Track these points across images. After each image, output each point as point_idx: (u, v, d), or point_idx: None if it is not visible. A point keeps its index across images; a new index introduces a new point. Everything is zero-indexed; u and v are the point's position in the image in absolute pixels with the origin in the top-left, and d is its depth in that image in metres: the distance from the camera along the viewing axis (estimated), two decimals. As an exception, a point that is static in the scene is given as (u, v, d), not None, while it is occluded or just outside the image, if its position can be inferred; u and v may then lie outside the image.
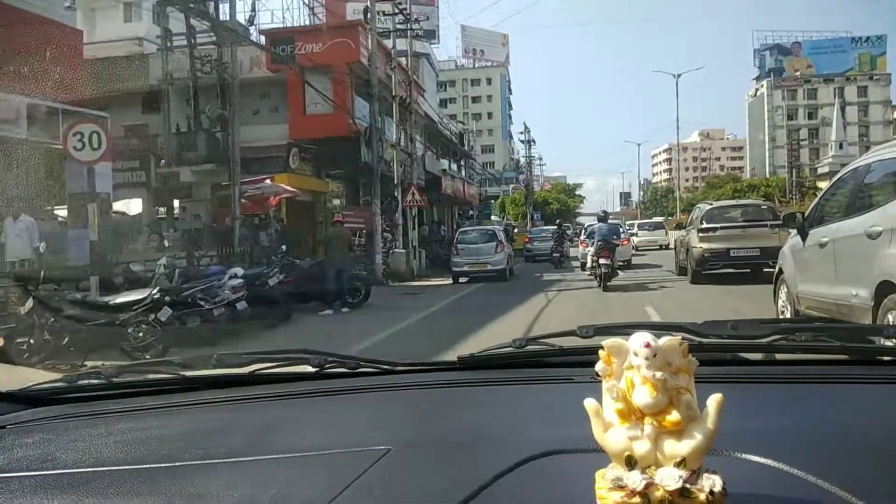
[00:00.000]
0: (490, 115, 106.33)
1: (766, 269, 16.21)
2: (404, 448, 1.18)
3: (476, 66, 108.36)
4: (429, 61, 43.35)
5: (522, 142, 75.99)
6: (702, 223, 16.86)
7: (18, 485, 1.14)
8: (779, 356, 1.66)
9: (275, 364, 1.74)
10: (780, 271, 9.10)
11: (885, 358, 1.64)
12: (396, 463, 1.12)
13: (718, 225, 16.58)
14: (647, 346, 0.88)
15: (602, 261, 16.54)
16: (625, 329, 1.41)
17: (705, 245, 16.41)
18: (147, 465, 1.19)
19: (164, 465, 1.18)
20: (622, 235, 24.49)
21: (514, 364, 1.72)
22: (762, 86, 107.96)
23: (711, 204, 19.30)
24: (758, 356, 1.67)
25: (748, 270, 16.55)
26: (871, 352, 1.66)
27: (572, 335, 1.61)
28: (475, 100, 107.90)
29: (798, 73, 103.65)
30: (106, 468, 1.19)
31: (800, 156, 75.89)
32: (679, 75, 70.10)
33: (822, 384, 1.52)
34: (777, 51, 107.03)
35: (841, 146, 75.47)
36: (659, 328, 1.42)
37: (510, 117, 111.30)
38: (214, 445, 1.29)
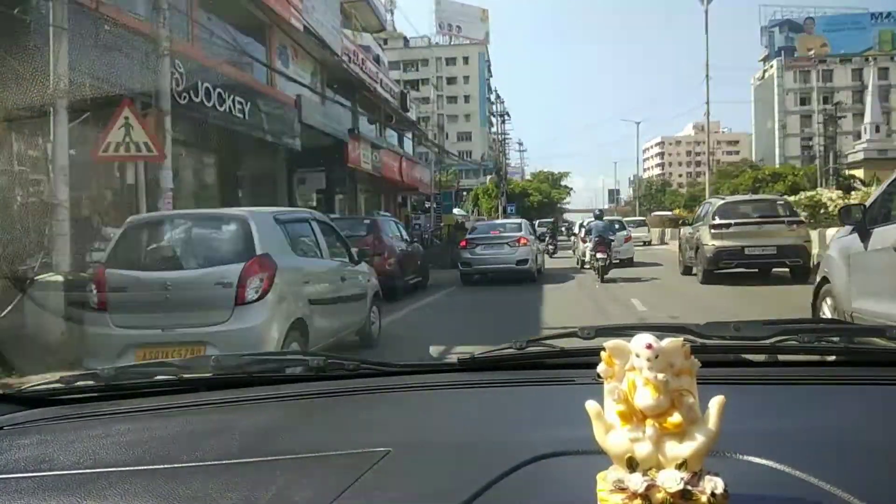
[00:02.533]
0: (467, 99, 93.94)
1: (773, 269, 16.07)
2: (404, 450, 1.18)
3: (452, 43, 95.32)
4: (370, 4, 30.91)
5: (492, 114, 66.41)
6: (714, 219, 15.80)
7: (16, 486, 1.14)
8: (781, 357, 1.66)
9: (274, 365, 1.74)
10: (825, 281, 7.12)
11: (888, 359, 1.63)
12: (396, 465, 1.12)
13: (732, 221, 15.55)
14: (649, 347, 0.87)
15: (599, 255, 18.25)
16: (627, 330, 1.40)
17: (718, 242, 15.36)
18: (145, 467, 1.19)
19: (162, 466, 1.18)
20: (625, 233, 24.81)
21: (514, 365, 1.71)
22: (771, 66, 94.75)
23: (723, 199, 18.55)
24: (760, 357, 1.66)
25: (756, 270, 16.02)
26: (873, 353, 1.66)
27: (573, 336, 1.61)
28: (450, 81, 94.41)
29: (811, 53, 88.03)
30: (103, 470, 1.19)
31: (835, 140, 62.31)
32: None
33: (824, 385, 1.52)
34: (788, 27, 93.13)
35: (878, 129, 65.79)
36: (661, 329, 1.42)
37: (490, 101, 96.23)
38: (213, 447, 1.29)
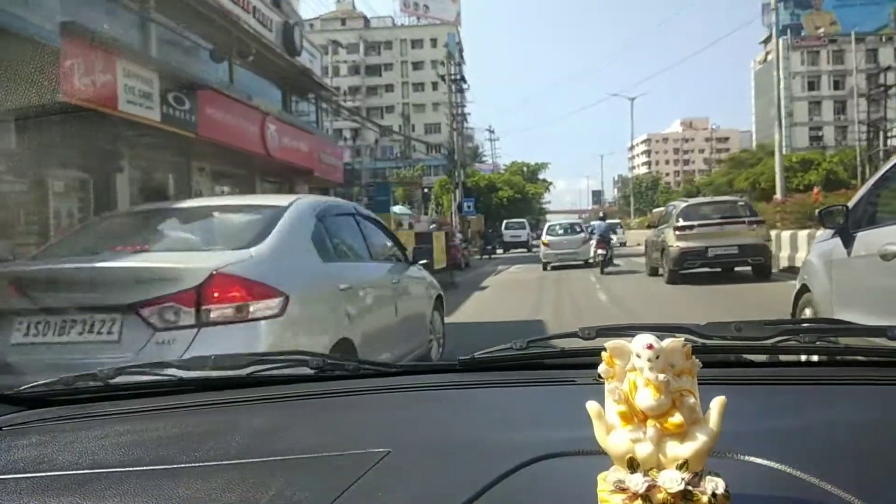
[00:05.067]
0: (435, 86, 77.51)
1: (736, 269, 16.91)
2: (404, 450, 1.18)
3: (419, 23, 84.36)
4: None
5: (442, 77, 50.90)
6: (678, 221, 16.57)
7: (15, 486, 1.14)
8: (783, 358, 1.66)
9: (273, 366, 1.74)
10: (805, 289, 6.39)
11: (891, 359, 1.63)
12: (396, 465, 1.11)
13: (696, 223, 16.34)
14: (650, 347, 0.87)
15: (600, 251, 21.29)
16: (628, 330, 1.40)
17: (682, 244, 16.14)
18: (144, 468, 1.19)
19: (161, 467, 1.18)
20: (583, 235, 26.63)
21: (515, 366, 1.71)
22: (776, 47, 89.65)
23: (686, 201, 19.39)
24: (761, 358, 1.67)
25: (719, 269, 16.73)
26: (875, 353, 1.66)
27: (574, 336, 1.60)
28: (416, 66, 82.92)
29: (820, 31, 77.62)
30: (102, 470, 1.18)
31: (885, 119, 51.45)
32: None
33: (826, 386, 1.52)
34: (793, 3, 79.98)
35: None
36: (662, 330, 1.42)
37: (462, 90, 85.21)
38: (212, 448, 1.29)
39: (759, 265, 16.20)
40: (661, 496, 0.84)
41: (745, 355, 1.65)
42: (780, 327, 1.62)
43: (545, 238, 26.22)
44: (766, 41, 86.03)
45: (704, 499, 0.84)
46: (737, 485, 0.87)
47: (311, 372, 1.71)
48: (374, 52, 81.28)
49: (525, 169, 70.86)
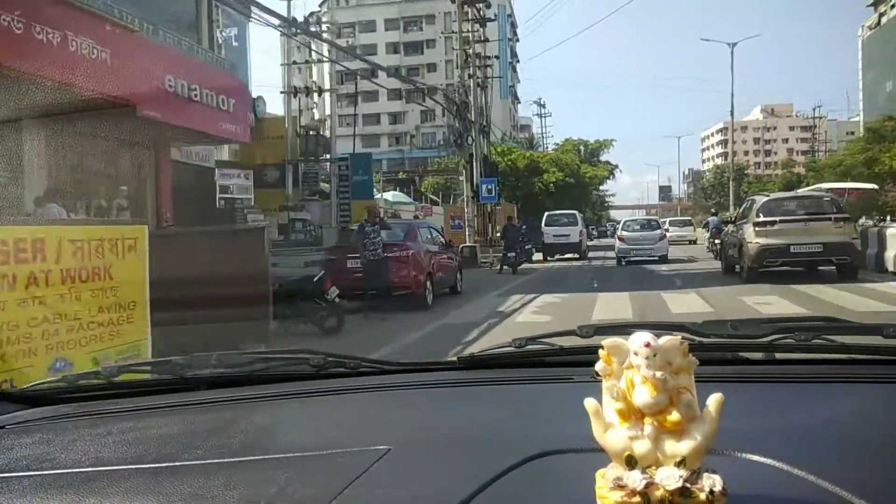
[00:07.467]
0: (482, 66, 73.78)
1: (820, 268, 15.67)
2: (404, 448, 1.18)
3: None
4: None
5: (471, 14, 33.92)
6: (758, 216, 15.51)
7: (18, 485, 1.14)
8: (779, 355, 1.67)
9: (275, 364, 1.76)
10: None
11: (886, 357, 1.64)
12: (396, 463, 1.12)
13: (777, 218, 15.28)
14: (647, 345, 0.88)
15: (716, 241, 23.74)
16: (625, 329, 1.42)
17: (762, 240, 15.07)
18: (146, 465, 1.20)
19: (163, 464, 1.19)
20: (659, 231, 27.26)
21: (513, 364, 1.73)
22: (892, 7, 70.55)
23: (767, 195, 18.41)
24: (758, 355, 1.68)
25: (802, 269, 15.76)
26: (871, 350, 1.65)
27: (572, 335, 1.62)
28: (463, 42, 76.43)
29: None
30: (105, 468, 1.19)
31: None
32: None
33: (822, 383, 1.52)
34: None
35: None
36: (659, 328, 1.43)
37: (514, 69, 73.96)
38: (214, 445, 1.30)
39: (844, 265, 15.19)
40: (658, 493, 0.84)
41: (741, 353, 1.66)
42: (777, 325, 1.63)
43: (620, 233, 26.60)
44: (877, 3, 72.17)
45: (702, 496, 0.84)
46: (734, 482, 0.87)
47: (312, 370, 1.72)
48: (414, 27, 73.95)
49: (582, 148, 55.91)
